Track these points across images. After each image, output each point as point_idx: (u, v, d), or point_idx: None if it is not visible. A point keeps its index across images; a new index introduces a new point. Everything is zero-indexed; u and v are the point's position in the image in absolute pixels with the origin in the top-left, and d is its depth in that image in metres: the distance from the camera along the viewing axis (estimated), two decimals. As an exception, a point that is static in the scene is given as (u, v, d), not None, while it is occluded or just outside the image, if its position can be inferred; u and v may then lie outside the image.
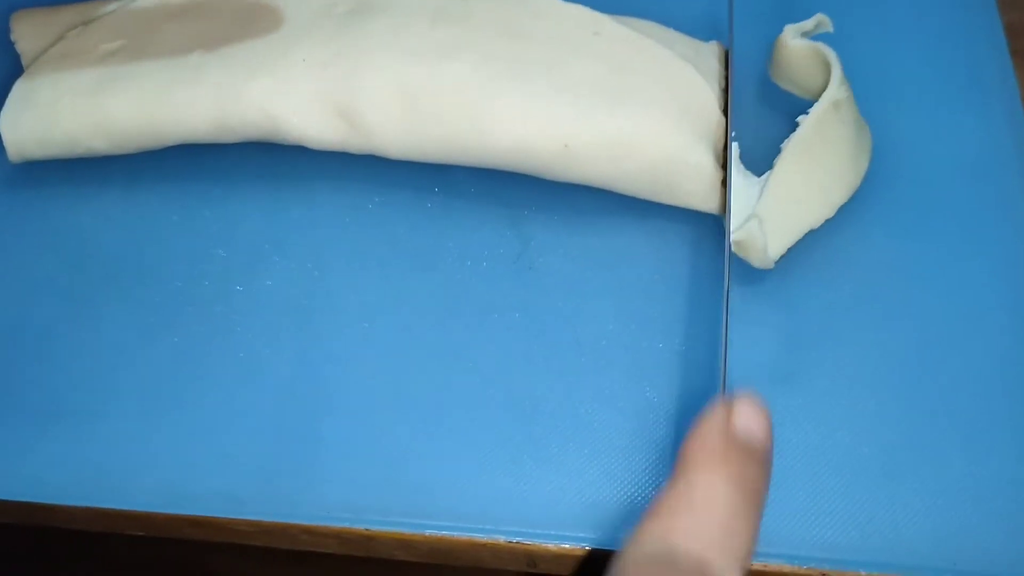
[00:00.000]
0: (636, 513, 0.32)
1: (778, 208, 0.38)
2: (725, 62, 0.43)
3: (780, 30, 0.43)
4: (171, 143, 0.42)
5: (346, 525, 0.35)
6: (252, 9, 0.43)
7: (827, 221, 0.40)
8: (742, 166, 0.40)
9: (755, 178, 0.40)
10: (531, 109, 0.39)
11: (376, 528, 0.35)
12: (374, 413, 0.37)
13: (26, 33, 0.45)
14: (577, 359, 0.38)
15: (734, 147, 0.39)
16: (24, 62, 0.44)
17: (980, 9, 0.49)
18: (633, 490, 0.35)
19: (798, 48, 0.43)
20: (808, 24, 0.43)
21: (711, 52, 0.43)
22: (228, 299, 0.40)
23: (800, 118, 0.40)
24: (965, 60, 0.46)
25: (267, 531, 0.36)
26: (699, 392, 0.38)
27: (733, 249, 0.38)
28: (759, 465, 0.26)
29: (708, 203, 0.40)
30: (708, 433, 0.27)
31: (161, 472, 0.36)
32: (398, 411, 0.37)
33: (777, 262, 0.39)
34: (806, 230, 0.39)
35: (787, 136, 0.40)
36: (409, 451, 0.36)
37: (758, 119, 0.44)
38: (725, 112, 0.40)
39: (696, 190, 0.40)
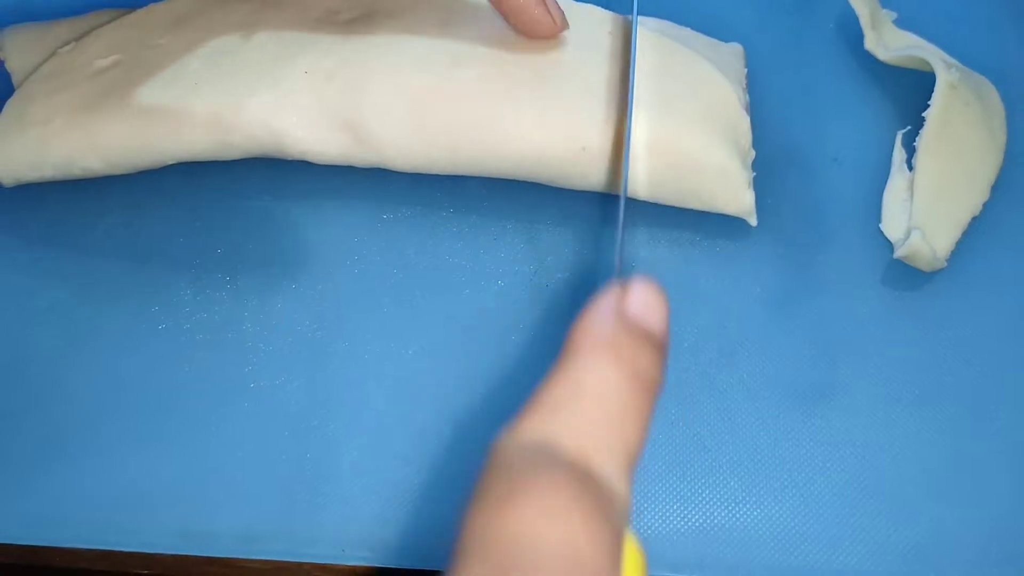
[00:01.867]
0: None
1: (934, 208, 0.38)
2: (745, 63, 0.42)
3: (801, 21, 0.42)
4: (170, 162, 0.41)
5: (362, 563, 0.34)
6: (252, 19, 0.42)
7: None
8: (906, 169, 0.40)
9: (906, 173, 0.40)
10: (546, 112, 0.38)
11: (393, 565, 0.34)
12: (391, 443, 0.36)
13: (16, 50, 0.43)
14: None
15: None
16: (15, 81, 0.42)
17: None
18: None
19: (891, 60, 0.43)
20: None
21: (732, 53, 0.42)
22: (238, 326, 0.38)
23: (925, 113, 0.40)
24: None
25: (282, 570, 0.34)
26: (728, 412, 0.36)
27: (901, 256, 0.38)
28: (654, 352, 0.23)
29: (733, 205, 0.38)
30: (599, 317, 0.24)
31: (170, 510, 0.35)
32: (416, 442, 0.36)
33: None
34: (967, 221, 0.39)
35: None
36: (430, 483, 0.35)
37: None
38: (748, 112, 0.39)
39: (721, 192, 0.38)
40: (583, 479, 0.20)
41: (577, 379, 0.22)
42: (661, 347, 0.24)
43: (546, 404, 0.22)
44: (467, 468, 0.34)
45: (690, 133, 0.37)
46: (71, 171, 0.41)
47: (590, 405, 0.22)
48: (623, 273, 0.27)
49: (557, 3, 0.39)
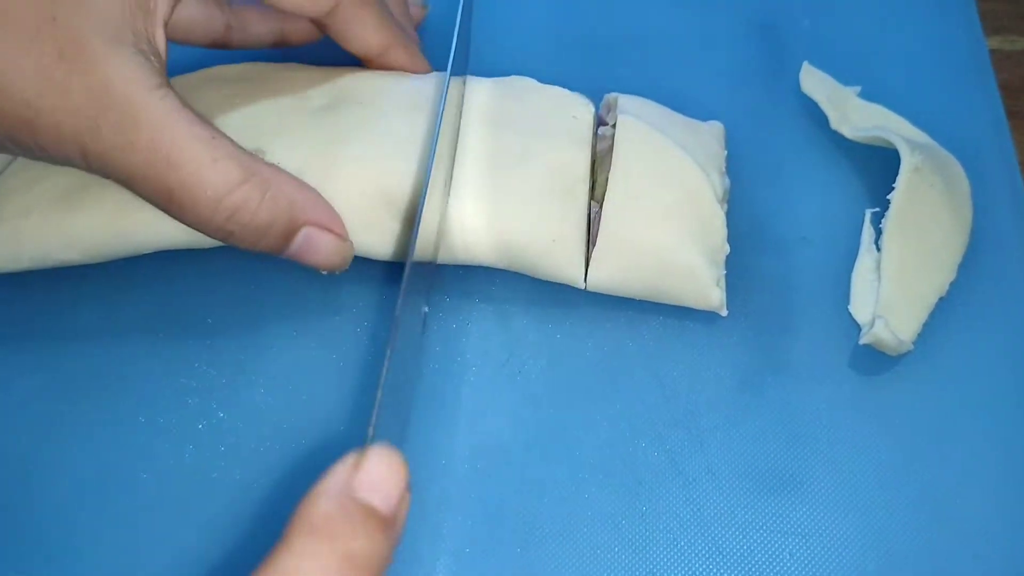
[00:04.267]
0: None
1: (900, 291, 0.39)
2: (724, 142, 0.42)
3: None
4: (147, 251, 0.41)
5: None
6: (227, 103, 0.42)
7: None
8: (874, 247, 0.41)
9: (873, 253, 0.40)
10: (515, 203, 0.38)
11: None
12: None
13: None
14: (572, 471, 0.37)
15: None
16: (-7, 167, 0.43)
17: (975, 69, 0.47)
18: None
19: (858, 139, 0.44)
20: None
21: (711, 133, 0.42)
22: (209, 417, 0.39)
23: (889, 195, 0.40)
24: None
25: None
26: (696, 503, 0.36)
27: (866, 343, 0.38)
28: (376, 531, 0.24)
29: (702, 303, 0.39)
30: (323, 495, 0.24)
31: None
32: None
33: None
34: (934, 302, 0.39)
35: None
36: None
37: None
38: (722, 203, 0.39)
39: (689, 291, 0.39)
40: None
41: (287, 567, 0.23)
42: (385, 525, 0.24)
43: None
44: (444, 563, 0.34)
45: (658, 231, 0.38)
46: (47, 263, 0.41)
47: None
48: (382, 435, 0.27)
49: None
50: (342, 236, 0.37)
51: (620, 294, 0.39)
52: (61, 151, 0.33)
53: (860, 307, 0.40)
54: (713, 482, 0.37)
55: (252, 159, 0.34)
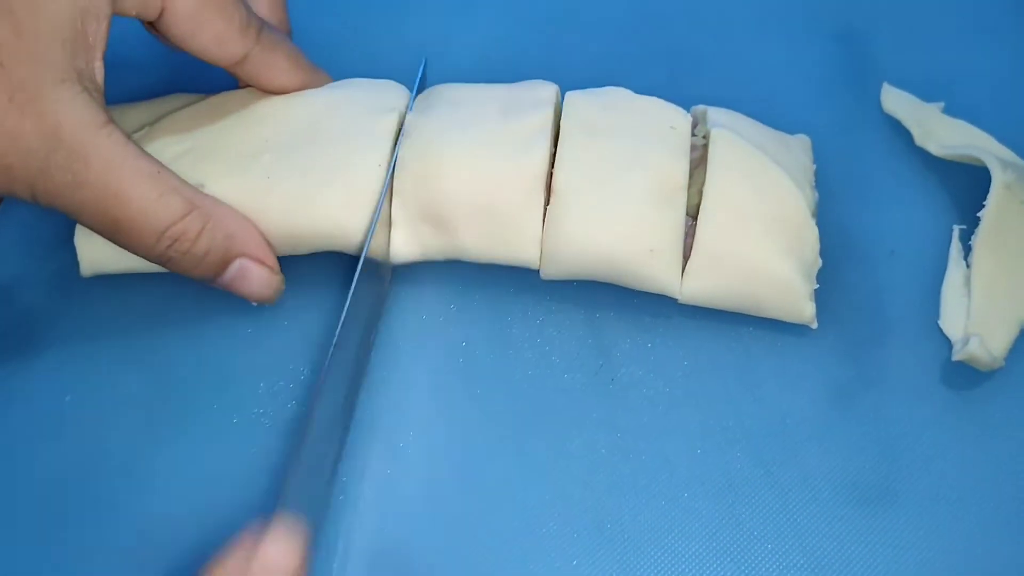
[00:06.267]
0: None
1: (991, 308, 0.39)
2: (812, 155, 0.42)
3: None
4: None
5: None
6: (324, 111, 0.42)
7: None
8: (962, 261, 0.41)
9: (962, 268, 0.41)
10: (614, 212, 0.38)
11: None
12: (459, 540, 0.36)
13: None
14: (668, 479, 0.37)
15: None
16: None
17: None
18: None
19: (945, 156, 0.44)
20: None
21: (800, 147, 0.42)
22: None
23: (979, 213, 0.41)
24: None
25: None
26: (792, 511, 0.37)
27: (959, 360, 0.38)
28: None
29: (794, 316, 0.39)
30: (225, 566, 0.27)
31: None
32: (476, 543, 0.36)
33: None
34: None
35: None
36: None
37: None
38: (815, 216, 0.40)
39: (782, 303, 0.39)
40: None
41: None
42: None
43: None
44: (532, 563, 0.34)
45: (754, 245, 0.38)
46: (149, 265, 0.41)
47: None
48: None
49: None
50: (273, 269, 0.39)
51: (713, 306, 0.40)
52: (9, 190, 0.34)
53: (951, 323, 0.40)
54: (809, 492, 0.37)
55: (194, 192, 0.36)
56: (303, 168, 0.40)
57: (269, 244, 0.39)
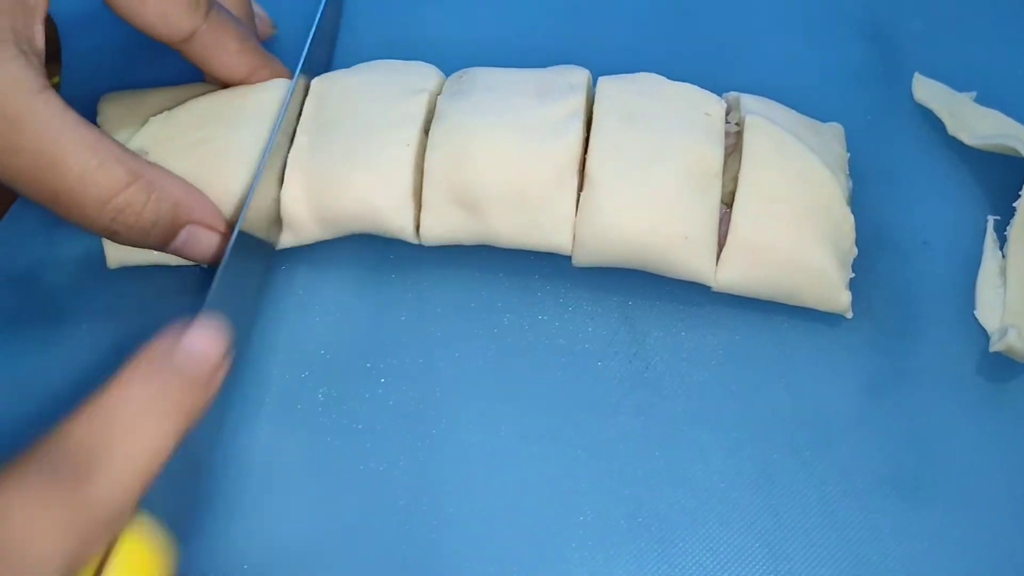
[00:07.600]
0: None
1: None
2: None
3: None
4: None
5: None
6: (352, 95, 0.42)
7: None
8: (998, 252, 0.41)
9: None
10: (649, 198, 0.38)
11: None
12: (493, 530, 0.36)
13: (111, 117, 0.43)
14: (703, 469, 0.37)
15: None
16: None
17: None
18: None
19: (978, 145, 0.43)
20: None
21: (833, 135, 0.42)
22: (353, 406, 0.39)
23: (1015, 203, 0.40)
24: None
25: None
26: (829, 502, 0.36)
27: (998, 350, 0.38)
28: (193, 387, 0.28)
29: (830, 305, 0.39)
30: (152, 347, 0.28)
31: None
32: (510, 532, 0.36)
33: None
34: None
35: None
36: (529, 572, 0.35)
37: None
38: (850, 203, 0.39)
39: (817, 293, 0.39)
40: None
41: (110, 393, 0.27)
42: (202, 384, 0.29)
43: (80, 409, 0.27)
44: (568, 552, 0.34)
45: (790, 233, 0.38)
46: (169, 259, 0.40)
47: (109, 410, 0.27)
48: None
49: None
50: (222, 232, 0.38)
51: (747, 294, 0.39)
52: None
53: (986, 313, 0.40)
54: (847, 483, 0.37)
55: (137, 160, 0.35)
56: (335, 150, 0.40)
57: (214, 205, 0.38)
